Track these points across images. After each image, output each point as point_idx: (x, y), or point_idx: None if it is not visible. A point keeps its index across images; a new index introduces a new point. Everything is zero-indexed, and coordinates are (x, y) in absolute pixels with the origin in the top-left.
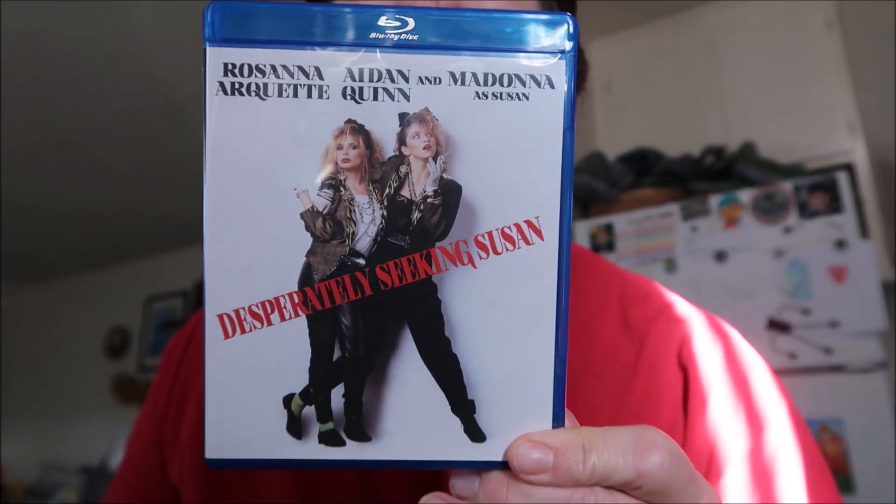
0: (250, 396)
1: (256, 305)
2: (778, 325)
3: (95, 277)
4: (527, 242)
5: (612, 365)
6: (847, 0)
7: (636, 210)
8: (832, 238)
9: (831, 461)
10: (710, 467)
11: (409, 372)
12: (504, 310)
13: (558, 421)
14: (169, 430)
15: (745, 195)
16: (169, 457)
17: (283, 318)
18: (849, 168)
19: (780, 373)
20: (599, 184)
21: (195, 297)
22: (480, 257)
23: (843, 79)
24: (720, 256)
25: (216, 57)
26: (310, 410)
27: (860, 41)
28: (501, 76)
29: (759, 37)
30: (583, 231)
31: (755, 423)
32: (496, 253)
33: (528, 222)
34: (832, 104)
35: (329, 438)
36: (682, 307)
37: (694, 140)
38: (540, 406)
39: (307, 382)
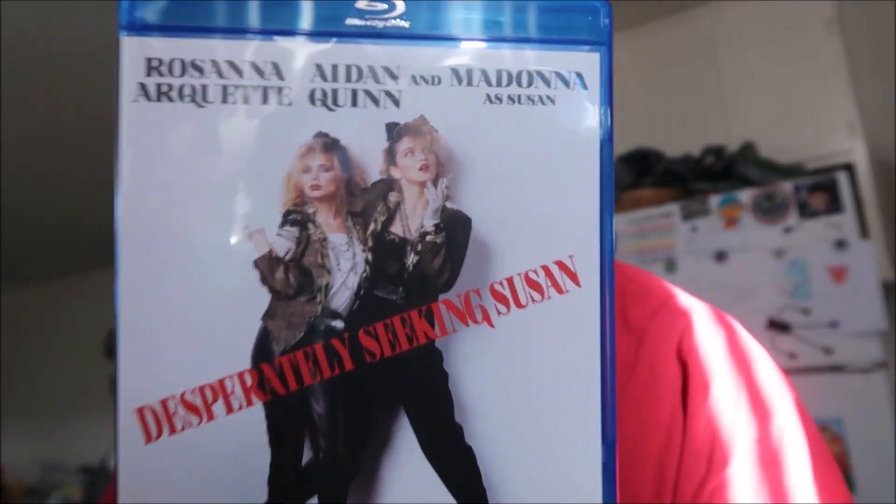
0: None
1: (192, 392)
2: (778, 325)
3: (95, 277)
4: (559, 291)
5: None
6: (847, 0)
7: (636, 210)
8: (832, 238)
9: None
10: (712, 456)
11: (408, 476)
12: (534, 383)
13: None
14: None
15: (745, 195)
16: None
17: (230, 409)
18: (849, 168)
19: None
20: None
21: None
22: (499, 313)
23: (843, 79)
24: (720, 256)
25: (135, 50)
26: None
27: (860, 41)
28: (519, 74)
29: (759, 37)
30: None
31: (761, 412)
32: (519, 306)
33: (560, 264)
34: (832, 104)
35: None
36: (684, 299)
37: (694, 140)
38: None
39: (266, 498)
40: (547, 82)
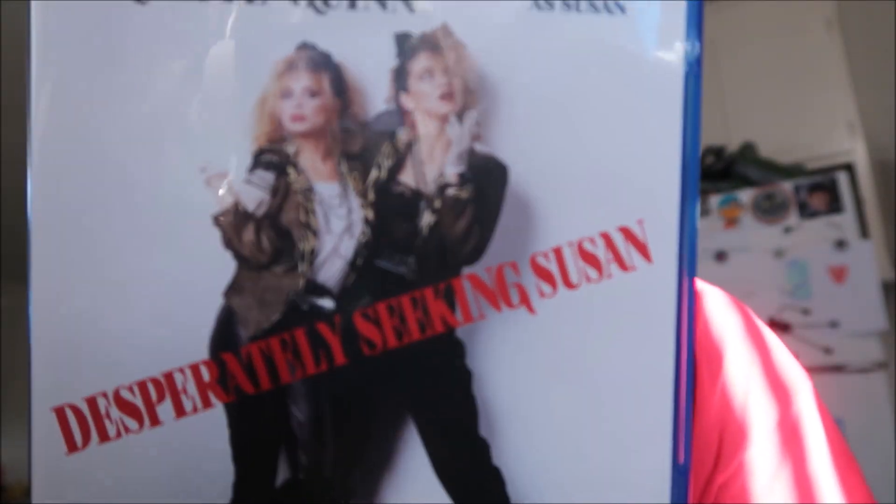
0: None
1: (130, 389)
2: (778, 325)
3: None
4: (622, 267)
5: None
6: (847, 0)
7: None
8: (832, 238)
9: None
10: (725, 436)
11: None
12: (584, 388)
13: None
14: None
15: (745, 195)
16: None
17: (181, 412)
18: (849, 168)
19: None
20: None
21: None
22: (542, 294)
23: (843, 79)
24: (720, 256)
25: None
26: None
27: (860, 41)
28: None
29: (759, 37)
30: None
31: (781, 395)
32: (569, 286)
33: (626, 231)
34: (832, 104)
35: None
36: (698, 283)
37: None
38: None
39: None
40: None
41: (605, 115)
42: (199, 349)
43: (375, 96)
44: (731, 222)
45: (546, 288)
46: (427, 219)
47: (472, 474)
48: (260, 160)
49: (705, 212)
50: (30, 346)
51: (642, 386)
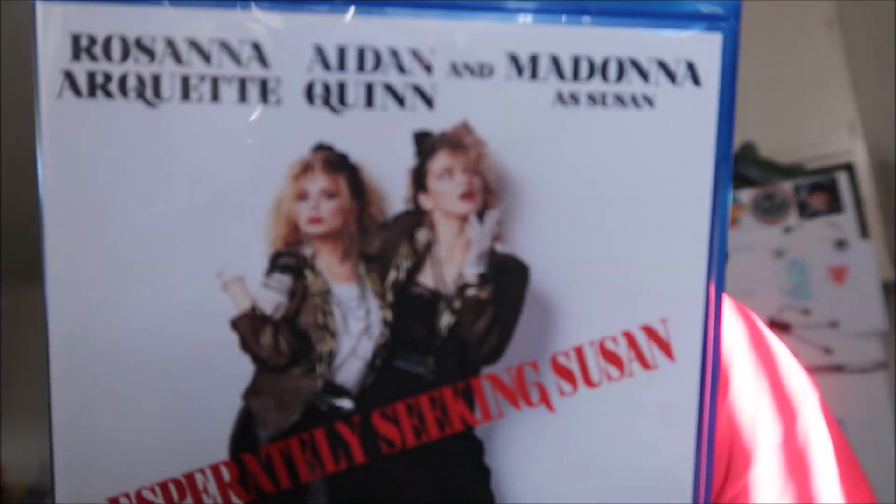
0: None
1: (151, 490)
2: (778, 325)
3: None
4: (645, 365)
5: None
6: (847, 0)
7: None
8: (832, 238)
9: None
10: (733, 454)
11: None
12: (605, 486)
13: None
14: None
15: (745, 195)
16: None
17: None
18: (849, 168)
19: None
20: None
21: None
22: (562, 393)
23: (843, 79)
24: None
25: (58, 22)
26: None
27: (860, 41)
28: (605, 63)
29: (759, 37)
30: None
31: (786, 411)
32: (590, 384)
33: (649, 330)
34: (832, 104)
35: None
36: None
37: None
38: None
39: None
40: (644, 75)
41: (631, 212)
42: (220, 450)
43: (394, 197)
44: (732, 222)
45: (566, 387)
46: (446, 320)
47: None
48: (277, 263)
49: None
50: (52, 450)
51: (664, 483)
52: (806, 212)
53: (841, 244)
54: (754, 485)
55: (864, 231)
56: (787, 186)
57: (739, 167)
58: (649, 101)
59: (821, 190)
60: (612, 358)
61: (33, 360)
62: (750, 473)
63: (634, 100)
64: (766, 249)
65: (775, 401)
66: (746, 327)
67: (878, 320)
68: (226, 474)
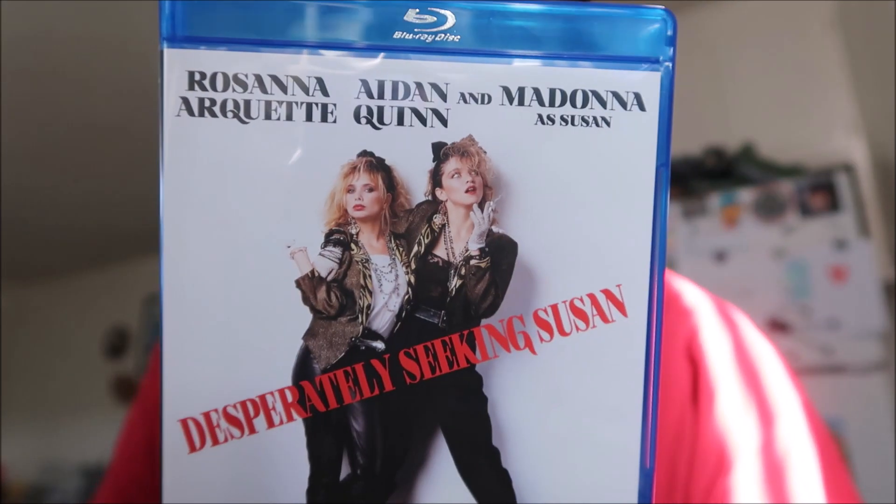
0: None
1: (234, 407)
2: (778, 325)
3: (95, 277)
4: (604, 320)
5: None
6: (847, 0)
7: None
8: (832, 238)
9: None
10: (720, 461)
11: (443, 494)
12: (573, 411)
13: None
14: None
15: (745, 195)
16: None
17: (271, 424)
18: (849, 168)
19: None
20: None
21: None
22: (542, 340)
23: (843, 79)
24: (720, 256)
25: (178, 62)
26: None
27: (860, 41)
28: (574, 94)
29: (759, 37)
30: None
31: (766, 417)
32: (563, 334)
33: (608, 293)
34: (832, 104)
35: None
36: (690, 296)
37: (694, 140)
38: None
39: None
40: (603, 103)
41: (593, 204)
42: (285, 378)
43: (417, 191)
44: (731, 222)
45: (545, 335)
46: (455, 283)
47: (487, 475)
48: (330, 238)
49: (705, 212)
50: (162, 377)
51: (618, 409)
52: (806, 212)
53: (841, 244)
54: (732, 488)
55: (864, 231)
56: (787, 186)
57: (739, 167)
58: (606, 122)
59: (821, 190)
60: (580, 314)
61: (33, 360)
62: (728, 477)
63: (595, 121)
64: (766, 249)
65: (757, 408)
66: (731, 336)
67: (878, 320)
68: (289, 396)
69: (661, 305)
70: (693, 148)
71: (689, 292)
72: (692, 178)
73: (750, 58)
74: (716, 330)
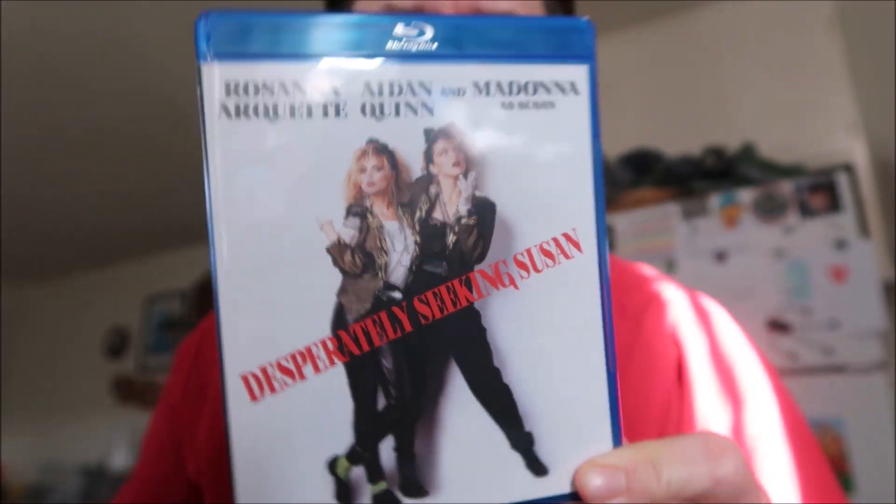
0: (289, 465)
1: (286, 359)
2: (778, 325)
3: (95, 277)
4: (566, 256)
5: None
6: (847, 0)
7: (636, 210)
8: (832, 238)
9: (831, 461)
10: None
11: (461, 412)
12: (552, 330)
13: (617, 440)
14: (186, 427)
15: (745, 195)
16: (188, 455)
17: (317, 370)
18: (849, 168)
19: (780, 373)
20: None
21: (197, 296)
22: (522, 277)
23: (843, 79)
24: (720, 256)
25: (216, 75)
26: (358, 472)
27: (860, 41)
28: (526, 84)
29: (759, 37)
30: None
31: (737, 403)
32: (537, 271)
33: (567, 235)
34: (832, 104)
35: (384, 500)
36: (670, 292)
37: (694, 140)
38: (599, 428)
39: (352, 440)
40: (548, 90)
41: (548, 168)
42: (325, 330)
43: (415, 167)
44: (731, 222)
45: (524, 273)
46: (451, 238)
47: (493, 390)
48: (350, 211)
49: (705, 212)
50: (220, 339)
51: (584, 324)
52: (806, 212)
53: (841, 244)
54: None
55: (864, 231)
56: (787, 186)
57: (739, 167)
58: (552, 105)
59: (821, 190)
60: (548, 254)
61: (33, 360)
62: None
63: (545, 105)
64: (766, 249)
65: (728, 396)
66: (705, 331)
67: (878, 320)
68: (329, 345)
69: (605, 240)
70: (693, 148)
71: (669, 290)
72: (692, 178)
73: (750, 58)
74: (692, 324)
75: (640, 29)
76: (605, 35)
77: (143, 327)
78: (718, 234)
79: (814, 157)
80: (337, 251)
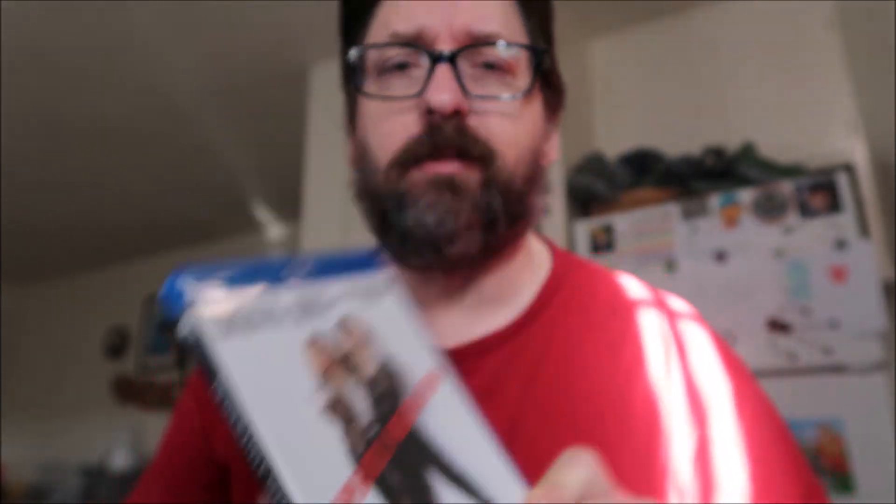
0: None
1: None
2: (778, 325)
3: (95, 277)
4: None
5: (603, 338)
6: (847, 0)
7: (636, 210)
8: (832, 238)
9: (831, 461)
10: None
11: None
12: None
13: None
14: (216, 413)
15: (745, 195)
16: (216, 442)
17: (364, 498)
18: (849, 168)
19: (780, 373)
20: (599, 184)
21: None
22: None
23: (843, 79)
24: (720, 256)
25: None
26: None
27: (860, 41)
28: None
29: (759, 37)
30: (583, 231)
31: (700, 418)
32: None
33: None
34: (832, 104)
35: None
36: (655, 299)
37: (694, 140)
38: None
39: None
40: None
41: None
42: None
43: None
44: (731, 222)
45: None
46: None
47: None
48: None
49: (705, 212)
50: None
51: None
52: (806, 212)
53: (841, 244)
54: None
55: (864, 231)
56: (787, 186)
57: (739, 167)
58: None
59: (821, 190)
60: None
61: (33, 360)
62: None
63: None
64: (766, 249)
65: (692, 414)
66: (672, 332)
67: (877, 320)
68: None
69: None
70: (693, 148)
71: (653, 295)
72: (692, 178)
73: (750, 58)
74: (654, 335)
75: (640, 29)
76: (606, 35)
77: (143, 327)
78: (718, 234)
79: (814, 157)
80: (331, 409)
